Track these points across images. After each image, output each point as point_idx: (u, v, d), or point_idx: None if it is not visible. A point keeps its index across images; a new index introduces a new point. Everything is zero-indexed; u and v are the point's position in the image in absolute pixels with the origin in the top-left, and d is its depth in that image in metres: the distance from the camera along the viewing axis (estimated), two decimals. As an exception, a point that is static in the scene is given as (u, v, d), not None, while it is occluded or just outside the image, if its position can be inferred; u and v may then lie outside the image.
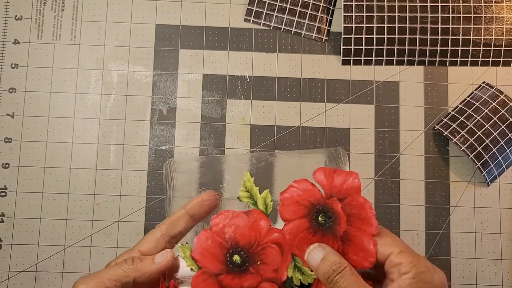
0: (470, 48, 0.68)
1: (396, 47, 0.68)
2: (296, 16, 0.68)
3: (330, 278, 0.41)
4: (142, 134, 0.66)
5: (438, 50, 0.68)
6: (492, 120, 0.65)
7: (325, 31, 0.68)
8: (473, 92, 0.68)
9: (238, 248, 0.45)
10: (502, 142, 0.64)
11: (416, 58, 0.68)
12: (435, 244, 0.66)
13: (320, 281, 0.44)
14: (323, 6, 0.68)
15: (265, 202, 0.47)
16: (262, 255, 0.45)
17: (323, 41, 0.68)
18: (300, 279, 0.45)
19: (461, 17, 0.68)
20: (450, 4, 0.68)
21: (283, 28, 0.68)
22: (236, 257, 0.45)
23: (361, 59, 0.68)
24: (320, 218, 0.45)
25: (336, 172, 0.47)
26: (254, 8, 0.68)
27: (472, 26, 0.68)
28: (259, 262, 0.45)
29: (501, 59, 0.68)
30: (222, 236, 0.45)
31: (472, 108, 0.66)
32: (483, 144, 0.64)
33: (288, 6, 0.68)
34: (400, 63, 0.68)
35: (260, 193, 0.47)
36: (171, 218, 0.48)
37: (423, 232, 0.66)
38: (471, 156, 0.64)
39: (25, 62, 0.66)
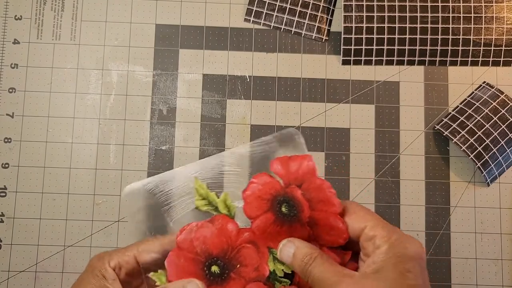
0: (471, 48, 0.68)
1: (396, 47, 0.68)
2: (296, 16, 0.68)
3: (304, 270, 0.40)
4: (142, 134, 0.66)
5: (439, 50, 0.68)
6: (493, 120, 0.65)
7: (325, 31, 0.68)
8: (473, 92, 0.68)
9: (213, 259, 0.44)
10: (502, 142, 0.64)
11: (416, 58, 0.68)
12: (435, 244, 0.66)
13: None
14: (323, 6, 0.68)
15: (226, 204, 0.46)
16: (239, 258, 0.44)
17: (323, 41, 0.68)
18: (282, 269, 0.44)
19: (462, 17, 0.68)
20: (451, 4, 0.68)
21: (283, 28, 0.68)
22: (215, 268, 0.44)
23: (361, 59, 0.68)
24: (283, 209, 0.45)
25: (291, 158, 0.46)
26: (254, 8, 0.68)
27: (472, 26, 0.68)
28: (238, 266, 0.44)
29: (502, 59, 0.68)
30: (193, 251, 0.44)
31: (473, 108, 0.66)
32: (484, 144, 0.64)
33: (288, 6, 0.68)
34: (400, 63, 0.68)
35: (218, 197, 0.46)
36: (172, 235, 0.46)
37: (423, 232, 0.66)
38: (471, 156, 0.64)
39: (25, 62, 0.66)
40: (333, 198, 0.44)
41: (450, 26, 0.68)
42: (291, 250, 0.42)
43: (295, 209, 0.44)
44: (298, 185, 0.45)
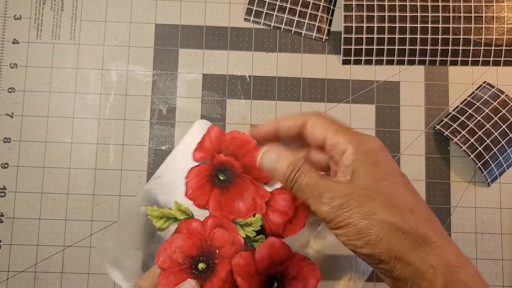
0: (471, 47, 0.68)
1: (396, 47, 0.68)
2: (296, 15, 0.68)
3: (290, 177, 0.41)
4: (141, 134, 0.66)
5: (439, 49, 0.68)
6: (493, 120, 0.65)
7: (325, 31, 0.68)
8: (473, 92, 0.68)
9: (196, 259, 0.46)
10: (503, 142, 0.64)
11: (417, 58, 0.68)
12: (435, 244, 0.65)
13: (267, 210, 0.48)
14: (323, 5, 0.68)
15: (181, 210, 0.49)
16: (214, 244, 0.47)
17: (323, 40, 0.68)
18: (252, 230, 0.47)
19: (462, 17, 0.68)
20: (451, 4, 0.68)
21: (283, 28, 0.68)
22: (201, 265, 0.46)
23: (362, 59, 0.68)
24: (221, 177, 0.49)
25: (202, 139, 0.51)
26: (254, 8, 0.68)
27: (472, 25, 0.68)
28: (217, 251, 0.46)
29: (502, 59, 0.68)
30: (176, 264, 0.46)
31: (473, 108, 0.66)
32: (484, 144, 0.64)
33: (288, 5, 0.68)
34: (400, 62, 0.68)
35: (170, 208, 0.49)
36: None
37: (424, 233, 0.66)
38: (472, 156, 0.64)
39: (24, 61, 0.66)
40: (246, 137, 0.49)
41: (451, 25, 0.68)
42: (274, 155, 0.43)
43: (228, 171, 0.49)
44: (218, 152, 0.50)
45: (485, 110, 0.66)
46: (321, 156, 0.45)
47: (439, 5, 0.68)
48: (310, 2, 0.68)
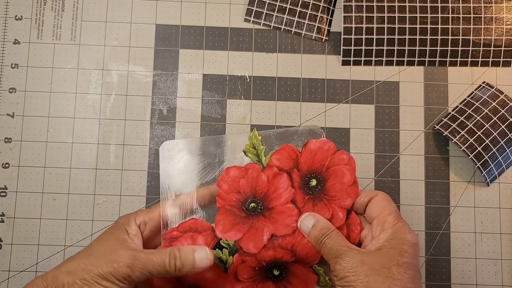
0: (470, 48, 0.68)
1: (396, 48, 0.68)
2: (296, 16, 0.68)
3: (320, 240, 0.47)
4: (142, 134, 0.66)
5: (438, 50, 0.68)
6: (492, 120, 0.65)
7: (325, 31, 0.68)
8: (473, 92, 0.68)
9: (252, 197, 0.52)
10: (502, 142, 0.65)
11: (416, 59, 0.68)
12: (435, 244, 0.66)
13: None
14: (323, 6, 0.68)
15: (264, 160, 0.53)
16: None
17: (323, 41, 0.68)
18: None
19: (461, 18, 0.68)
20: (450, 5, 0.68)
21: (283, 28, 0.68)
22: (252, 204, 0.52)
23: (361, 60, 0.68)
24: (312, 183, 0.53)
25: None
26: (254, 8, 0.68)
27: (471, 26, 0.68)
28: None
29: (501, 59, 0.68)
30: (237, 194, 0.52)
31: (472, 108, 0.66)
32: (483, 144, 0.64)
33: (288, 6, 0.68)
34: (400, 63, 0.68)
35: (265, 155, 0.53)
36: (202, 190, 0.53)
37: (423, 232, 0.66)
38: (471, 156, 0.64)
39: (25, 62, 0.66)
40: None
41: (450, 26, 0.68)
42: (311, 222, 0.49)
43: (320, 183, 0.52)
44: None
45: (484, 110, 0.66)
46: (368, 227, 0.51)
47: (438, 6, 0.68)
48: (310, 2, 0.68)
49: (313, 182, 0.52)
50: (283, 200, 0.51)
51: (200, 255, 0.47)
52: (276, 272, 0.51)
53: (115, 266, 0.44)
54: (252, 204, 0.51)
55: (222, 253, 0.51)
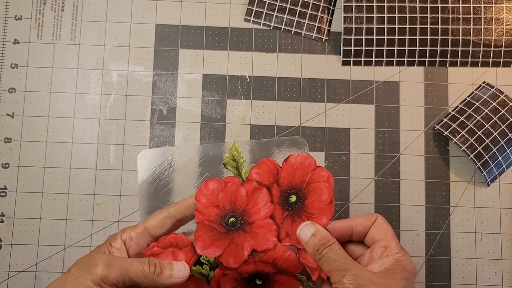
0: (470, 48, 0.68)
1: (396, 48, 0.68)
2: (296, 16, 0.68)
3: (319, 250, 0.47)
4: (142, 134, 0.66)
5: (438, 50, 0.68)
6: (492, 120, 0.65)
7: (325, 31, 0.68)
8: (473, 92, 0.68)
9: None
10: (502, 142, 0.64)
11: (416, 59, 0.68)
12: (435, 244, 0.66)
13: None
14: (323, 6, 0.68)
15: (243, 173, 0.52)
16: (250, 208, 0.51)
17: (323, 41, 0.68)
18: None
19: (461, 18, 0.68)
20: (450, 5, 0.68)
21: (283, 28, 0.68)
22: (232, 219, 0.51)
23: (361, 60, 0.68)
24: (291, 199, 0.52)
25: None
26: (254, 8, 0.68)
27: (472, 27, 0.68)
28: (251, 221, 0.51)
29: (501, 59, 0.68)
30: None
31: (472, 108, 0.66)
32: (483, 144, 0.64)
33: (288, 6, 0.68)
34: (400, 63, 0.68)
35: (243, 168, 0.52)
36: (180, 203, 0.51)
37: (423, 232, 0.66)
38: (471, 156, 0.64)
39: (25, 62, 0.66)
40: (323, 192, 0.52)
41: (450, 27, 0.68)
42: (312, 230, 0.49)
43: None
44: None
45: (484, 110, 0.66)
46: (358, 248, 0.51)
47: (438, 6, 0.68)
48: (310, 2, 0.68)
49: (293, 198, 0.51)
50: (262, 215, 0.51)
51: (178, 266, 0.48)
52: (258, 282, 0.51)
53: (92, 269, 0.44)
54: (232, 219, 0.50)
55: (203, 269, 0.50)
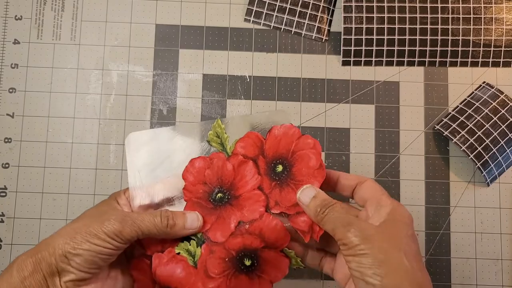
0: (470, 49, 0.68)
1: (396, 48, 0.68)
2: (296, 16, 0.68)
3: (322, 210, 0.47)
4: (142, 134, 0.66)
5: (438, 50, 0.68)
6: (492, 120, 0.65)
7: (325, 31, 0.68)
8: (473, 92, 0.68)
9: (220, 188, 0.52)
10: (502, 142, 0.64)
11: (416, 59, 0.68)
12: (435, 244, 0.66)
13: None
14: (323, 6, 0.68)
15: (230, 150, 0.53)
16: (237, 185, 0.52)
17: (323, 41, 0.68)
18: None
19: (461, 18, 0.68)
20: (450, 5, 0.68)
21: (283, 28, 0.68)
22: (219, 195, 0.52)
23: (361, 60, 0.68)
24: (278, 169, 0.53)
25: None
26: (254, 8, 0.68)
27: (471, 27, 0.68)
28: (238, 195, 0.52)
29: (501, 60, 0.68)
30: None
31: (472, 108, 0.66)
32: (483, 144, 0.64)
33: (288, 6, 0.68)
34: (400, 64, 0.68)
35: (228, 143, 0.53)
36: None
37: (423, 232, 0.66)
38: (471, 156, 0.64)
39: (25, 62, 0.66)
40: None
41: (450, 27, 0.68)
42: (312, 193, 0.49)
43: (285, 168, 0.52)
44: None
45: (484, 110, 0.66)
46: (351, 212, 0.50)
47: (438, 7, 0.68)
48: (310, 2, 0.68)
49: (279, 168, 0.52)
50: (250, 187, 0.51)
51: (191, 216, 0.49)
52: (247, 262, 0.51)
53: (106, 223, 0.45)
54: (219, 195, 0.51)
55: (190, 244, 0.51)
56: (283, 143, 0.52)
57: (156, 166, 0.53)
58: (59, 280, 0.43)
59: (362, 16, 0.68)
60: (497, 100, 0.66)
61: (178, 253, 0.50)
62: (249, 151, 0.52)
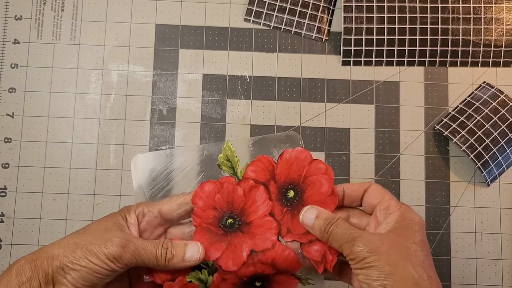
0: (470, 48, 0.68)
1: (396, 48, 0.68)
2: (296, 16, 0.68)
3: (326, 229, 0.47)
4: (142, 134, 0.66)
5: (438, 50, 0.68)
6: (493, 120, 0.65)
7: (325, 31, 0.68)
8: (473, 92, 0.68)
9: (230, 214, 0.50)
10: (502, 142, 0.64)
11: (416, 59, 0.68)
12: (435, 244, 0.66)
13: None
14: (323, 6, 0.68)
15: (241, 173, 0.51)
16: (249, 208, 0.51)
17: (323, 41, 0.68)
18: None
19: (461, 18, 0.68)
20: (450, 5, 0.68)
21: (283, 28, 0.68)
22: (230, 220, 0.50)
23: (361, 60, 0.68)
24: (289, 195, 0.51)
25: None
26: (254, 8, 0.68)
27: (472, 27, 0.68)
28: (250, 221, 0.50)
29: (501, 59, 0.68)
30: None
31: (472, 108, 0.66)
32: (483, 144, 0.64)
33: (288, 6, 0.68)
34: (400, 63, 0.68)
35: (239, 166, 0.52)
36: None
37: (423, 232, 0.66)
38: (471, 156, 0.64)
39: (25, 62, 0.66)
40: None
41: (450, 27, 0.68)
42: (314, 213, 0.48)
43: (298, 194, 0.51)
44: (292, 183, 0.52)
45: (484, 110, 0.66)
46: (363, 219, 0.51)
47: (438, 6, 0.68)
48: (310, 2, 0.68)
49: (291, 194, 0.51)
50: (261, 214, 0.50)
51: (192, 249, 0.48)
52: (258, 284, 0.50)
53: (108, 244, 0.44)
54: (229, 220, 0.50)
55: (201, 273, 0.49)
56: (294, 168, 0.51)
57: (163, 188, 0.52)
58: None
59: (362, 16, 0.68)
60: (497, 100, 0.66)
61: (190, 282, 0.49)
62: (260, 176, 0.51)
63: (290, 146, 0.53)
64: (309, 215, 0.48)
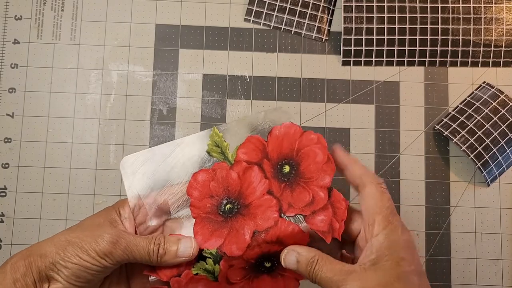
0: (470, 49, 0.68)
1: (396, 48, 0.68)
2: (296, 16, 0.68)
3: (310, 272, 0.45)
4: (142, 134, 0.66)
5: (438, 50, 0.68)
6: (493, 120, 0.65)
7: (325, 31, 0.68)
8: (473, 92, 0.68)
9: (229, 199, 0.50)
10: (502, 142, 0.64)
11: (416, 59, 0.68)
12: (435, 244, 0.66)
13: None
14: (323, 6, 0.68)
15: (232, 157, 0.50)
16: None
17: (323, 41, 0.68)
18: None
19: (461, 18, 0.68)
20: (450, 5, 0.68)
21: (283, 28, 0.68)
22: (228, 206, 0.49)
23: (361, 60, 0.68)
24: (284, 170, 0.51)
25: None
26: (254, 8, 0.68)
27: (472, 27, 0.68)
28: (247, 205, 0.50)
29: (502, 60, 0.68)
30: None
31: (473, 108, 0.66)
32: (484, 144, 0.64)
33: (288, 6, 0.68)
34: (400, 63, 0.68)
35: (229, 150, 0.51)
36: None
37: (423, 232, 0.66)
38: (472, 156, 0.64)
39: (25, 62, 0.66)
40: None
41: (450, 27, 0.68)
42: (294, 258, 0.46)
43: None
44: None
45: (484, 110, 0.66)
46: (357, 224, 0.49)
47: (438, 6, 0.68)
48: (310, 2, 0.68)
49: (286, 168, 0.50)
50: (259, 194, 0.49)
51: (185, 243, 0.47)
52: (267, 264, 0.49)
53: (99, 241, 0.44)
54: (228, 206, 0.49)
55: (206, 263, 0.49)
56: (286, 143, 0.50)
57: (156, 187, 0.51)
58: (48, 287, 0.43)
59: (362, 16, 0.68)
60: (497, 100, 0.66)
61: (196, 274, 0.49)
62: (252, 156, 0.50)
63: (278, 122, 0.52)
64: (290, 259, 0.47)
